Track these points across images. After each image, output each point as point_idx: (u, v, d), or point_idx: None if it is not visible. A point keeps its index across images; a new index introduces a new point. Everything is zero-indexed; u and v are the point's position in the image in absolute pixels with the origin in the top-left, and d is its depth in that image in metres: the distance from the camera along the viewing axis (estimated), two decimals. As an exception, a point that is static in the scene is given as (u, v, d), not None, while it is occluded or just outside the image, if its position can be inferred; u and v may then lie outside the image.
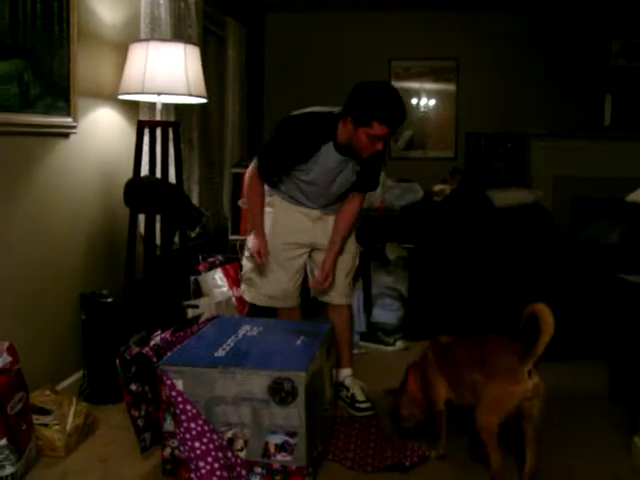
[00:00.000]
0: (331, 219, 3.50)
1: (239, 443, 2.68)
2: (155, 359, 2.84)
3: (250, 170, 3.41)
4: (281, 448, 2.65)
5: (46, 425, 2.88)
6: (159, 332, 3.05)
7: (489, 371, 2.66)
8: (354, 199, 3.45)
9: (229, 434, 2.68)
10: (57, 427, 2.89)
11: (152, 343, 2.93)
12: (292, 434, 2.64)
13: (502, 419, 2.63)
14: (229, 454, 2.65)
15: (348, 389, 3.52)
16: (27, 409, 2.75)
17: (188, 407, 2.65)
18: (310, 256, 3.57)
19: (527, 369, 2.58)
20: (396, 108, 3.01)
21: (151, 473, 2.79)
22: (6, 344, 2.67)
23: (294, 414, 2.62)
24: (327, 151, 3.17)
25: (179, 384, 2.66)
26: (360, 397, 3.47)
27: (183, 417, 2.64)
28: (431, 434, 3.03)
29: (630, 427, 3.14)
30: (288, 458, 2.65)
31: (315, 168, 3.23)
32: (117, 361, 2.81)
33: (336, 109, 3.16)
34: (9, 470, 2.57)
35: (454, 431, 3.11)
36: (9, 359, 2.64)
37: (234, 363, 2.69)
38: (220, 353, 2.79)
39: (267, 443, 2.66)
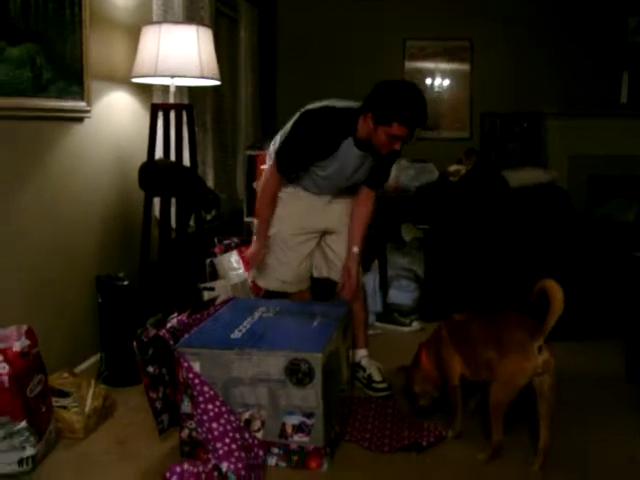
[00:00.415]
0: (341, 203, 3.47)
1: (256, 424, 2.69)
2: (172, 341, 2.85)
3: (267, 171, 3.36)
4: (298, 429, 2.66)
5: (65, 407, 2.91)
6: (175, 314, 3.06)
7: (502, 348, 2.69)
8: (366, 200, 3.44)
9: (246, 415, 2.69)
10: (76, 409, 2.91)
11: (169, 325, 2.95)
12: (309, 415, 2.65)
13: (515, 395, 2.67)
14: (246, 435, 2.66)
15: (365, 370, 3.52)
16: (46, 391, 2.77)
17: (205, 389, 2.66)
18: (323, 240, 3.56)
19: (537, 345, 2.60)
20: (418, 110, 2.98)
21: (169, 454, 2.80)
22: (25, 327, 2.69)
23: (311, 395, 2.63)
24: (347, 147, 3.15)
25: (196, 366, 2.68)
26: (377, 377, 3.48)
27: (200, 399, 2.65)
28: (448, 413, 3.04)
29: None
30: (305, 439, 2.66)
31: (333, 164, 3.21)
32: (134, 343, 2.83)
33: (355, 104, 3.12)
34: (30, 452, 2.59)
35: (472, 410, 3.11)
36: (27, 342, 2.65)
37: (250, 344, 2.70)
38: (236, 335, 2.80)
39: (284, 424, 2.67)
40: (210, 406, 2.65)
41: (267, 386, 2.66)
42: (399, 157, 3.43)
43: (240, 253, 4.37)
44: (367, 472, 2.71)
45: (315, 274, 3.62)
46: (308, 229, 3.48)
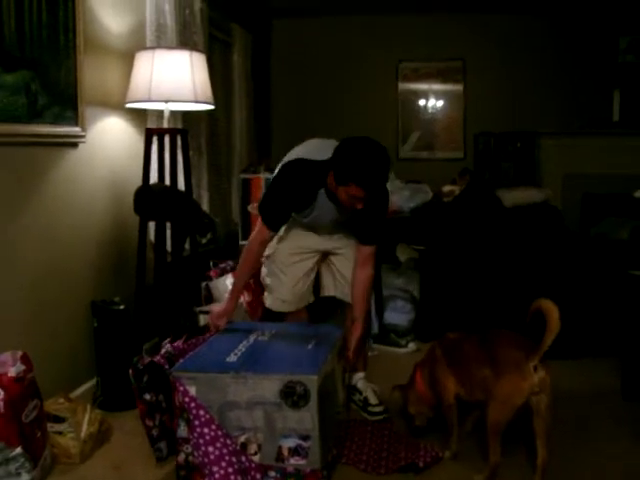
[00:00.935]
0: (344, 230, 3.42)
1: (252, 447, 2.68)
2: (167, 366, 2.85)
3: (257, 224, 3.24)
4: (294, 452, 2.65)
5: (61, 433, 2.90)
6: (169, 340, 3.06)
7: (498, 367, 2.70)
8: (364, 262, 3.32)
9: (242, 439, 2.68)
10: (72, 434, 2.90)
11: (164, 351, 2.95)
12: (305, 437, 2.64)
13: (512, 414, 2.67)
14: (243, 458, 2.65)
15: (361, 392, 3.52)
16: (41, 417, 2.77)
17: (201, 412, 2.65)
18: (329, 260, 3.54)
19: (533, 364, 2.62)
20: (374, 173, 2.91)
21: (165, 479, 2.80)
22: (20, 353, 2.69)
23: (307, 417, 2.63)
24: (322, 198, 3.14)
25: (192, 390, 2.67)
26: (373, 401, 3.47)
27: (196, 422, 2.65)
28: (444, 432, 3.03)
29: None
30: (302, 462, 2.65)
31: (313, 212, 3.21)
32: (130, 371, 2.82)
33: (327, 157, 3.05)
34: (25, 478, 2.58)
35: (468, 431, 3.11)
36: (23, 367, 2.65)
37: (246, 368, 2.69)
38: (232, 358, 2.80)
39: (280, 447, 2.66)
40: (206, 430, 2.65)
41: (263, 409, 2.65)
42: (386, 210, 3.35)
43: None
44: (364, 494, 2.71)
45: (324, 293, 3.62)
46: (305, 249, 3.47)
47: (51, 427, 2.88)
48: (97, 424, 3.04)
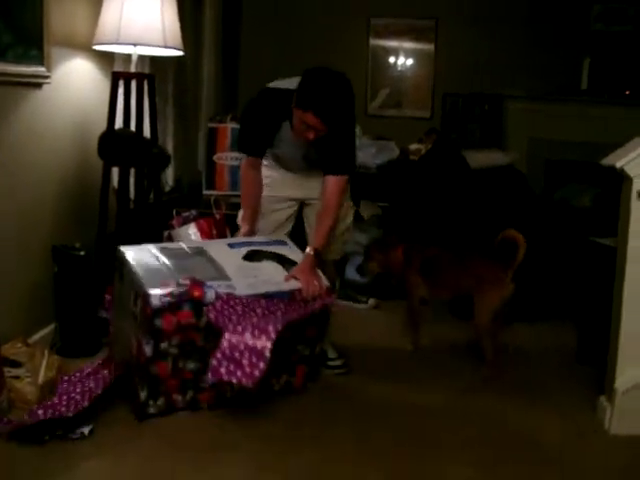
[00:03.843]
0: (320, 176, 3.35)
1: None
2: None
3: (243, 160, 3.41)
4: None
5: (18, 377, 2.88)
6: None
7: (483, 280, 3.50)
8: (331, 192, 3.22)
9: None
10: (29, 380, 2.88)
11: None
12: None
13: (492, 315, 3.46)
14: None
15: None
16: (-1, 361, 2.74)
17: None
18: (302, 210, 3.55)
19: (509, 277, 3.44)
20: (333, 106, 2.91)
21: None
22: (-23, 296, 2.65)
23: None
24: (286, 129, 3.15)
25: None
26: (332, 354, 3.50)
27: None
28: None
29: (596, 387, 3.21)
30: None
31: (281, 144, 3.23)
32: None
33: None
34: (-20, 421, 2.57)
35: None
36: (-20, 311, 2.62)
37: None
38: None
39: None
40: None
41: None
42: (351, 140, 3.28)
43: (198, 226, 4.33)
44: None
45: None
46: (284, 198, 3.47)
47: (8, 372, 2.85)
48: (55, 370, 3.03)
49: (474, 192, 4.75)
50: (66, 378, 3.02)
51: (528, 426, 2.98)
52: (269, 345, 2.66)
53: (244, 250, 3.21)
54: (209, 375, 2.71)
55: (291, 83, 3.07)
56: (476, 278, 3.54)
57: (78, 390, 2.90)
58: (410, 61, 7.25)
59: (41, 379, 2.91)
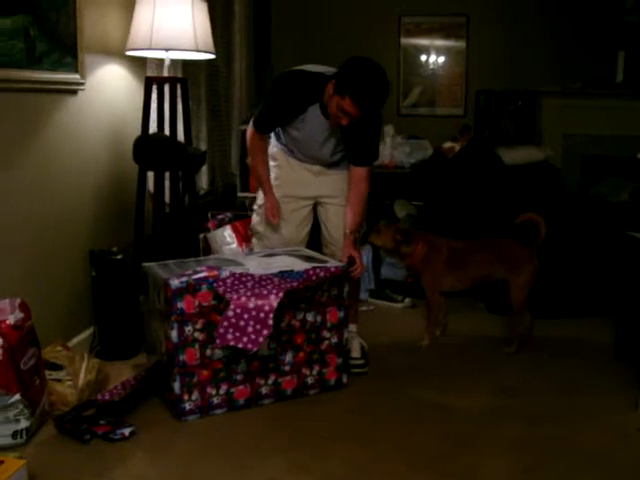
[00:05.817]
0: (334, 174, 3.45)
1: None
2: None
3: (249, 129, 3.42)
4: None
5: (59, 380, 2.92)
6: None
7: (517, 262, 3.74)
8: (358, 182, 3.36)
9: None
10: (69, 382, 2.92)
11: None
12: None
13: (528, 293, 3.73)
14: None
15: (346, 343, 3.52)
16: (40, 365, 2.78)
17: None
18: (317, 209, 3.56)
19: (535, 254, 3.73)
20: (373, 95, 2.97)
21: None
22: (18, 300, 2.69)
23: None
24: (313, 112, 3.18)
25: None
26: (355, 354, 3.47)
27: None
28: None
29: (636, 383, 3.17)
30: None
31: (304, 127, 3.25)
32: None
33: (331, 71, 3.13)
34: (24, 424, 2.61)
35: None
36: (21, 315, 2.66)
37: None
38: None
39: None
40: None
41: None
42: (379, 133, 3.45)
43: (233, 228, 4.36)
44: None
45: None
46: (297, 197, 3.48)
47: (49, 375, 2.89)
48: (94, 372, 3.05)
49: (509, 189, 4.71)
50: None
51: (567, 423, 2.94)
52: (273, 306, 2.83)
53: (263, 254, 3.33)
54: (217, 341, 2.85)
55: (325, 69, 3.15)
56: (510, 261, 3.75)
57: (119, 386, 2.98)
58: (442, 59, 7.21)
59: (81, 382, 2.95)
